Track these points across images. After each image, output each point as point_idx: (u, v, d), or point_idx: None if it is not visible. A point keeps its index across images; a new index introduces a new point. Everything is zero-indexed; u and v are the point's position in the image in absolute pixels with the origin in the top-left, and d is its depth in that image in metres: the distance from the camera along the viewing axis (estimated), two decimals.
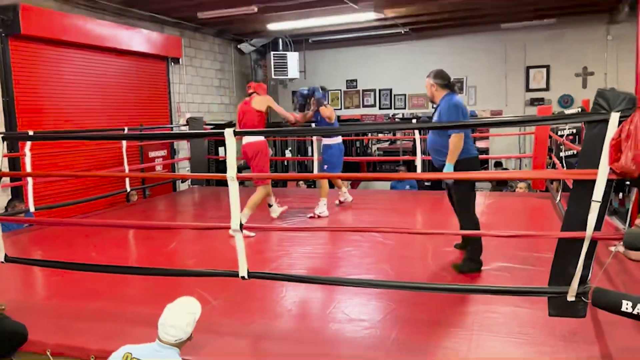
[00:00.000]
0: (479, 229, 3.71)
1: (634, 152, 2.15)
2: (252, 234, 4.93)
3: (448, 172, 3.64)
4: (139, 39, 8.13)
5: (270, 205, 5.87)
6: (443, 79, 3.88)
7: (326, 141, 6.01)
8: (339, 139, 6.03)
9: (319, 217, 5.83)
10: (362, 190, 9.28)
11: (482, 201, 6.38)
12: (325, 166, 6.02)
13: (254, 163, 5.36)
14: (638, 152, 2.14)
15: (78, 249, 4.76)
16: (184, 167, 9.08)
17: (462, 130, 3.61)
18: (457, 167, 3.62)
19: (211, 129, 8.75)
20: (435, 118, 3.89)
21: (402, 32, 10.35)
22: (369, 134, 11.31)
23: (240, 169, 10.32)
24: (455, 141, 3.60)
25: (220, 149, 9.49)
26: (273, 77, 10.67)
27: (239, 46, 10.84)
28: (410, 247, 4.56)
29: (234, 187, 2.97)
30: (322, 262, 4.34)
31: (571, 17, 9.69)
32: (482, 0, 8.20)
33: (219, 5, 7.85)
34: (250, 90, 5.44)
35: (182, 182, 9.04)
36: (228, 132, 2.83)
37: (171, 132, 8.98)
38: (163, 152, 8.96)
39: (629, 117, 2.21)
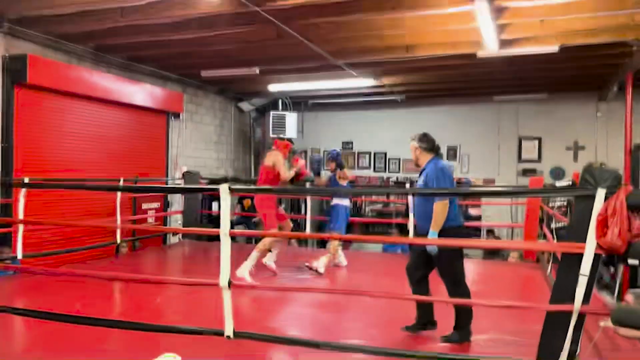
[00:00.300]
0: (470, 298, 3.67)
1: (620, 228, 2.19)
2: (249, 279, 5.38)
3: (432, 238, 3.57)
4: (142, 93, 8.32)
5: (269, 250, 5.99)
6: (428, 143, 3.87)
7: (335, 201, 6.31)
8: (346, 200, 6.28)
9: (315, 270, 5.84)
10: (354, 251, 9.24)
11: (474, 269, 6.37)
12: (332, 225, 6.19)
13: (259, 210, 5.93)
14: (623, 228, 2.19)
15: (62, 299, 4.68)
16: (176, 220, 9.06)
17: (448, 197, 3.61)
18: (442, 235, 3.55)
19: (206, 183, 8.81)
20: (420, 182, 3.83)
21: (399, 99, 10.66)
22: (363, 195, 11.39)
23: (232, 225, 10.29)
24: (440, 208, 3.54)
25: (214, 204, 9.51)
26: (271, 135, 10.86)
27: (239, 104, 11.11)
28: (401, 312, 4.50)
29: (226, 243, 2.98)
30: (311, 324, 4.27)
31: (561, 92, 10.05)
32: (476, 72, 8.51)
33: (222, 65, 8.11)
34: (273, 147, 6.10)
35: (173, 235, 8.99)
36: (223, 188, 2.87)
37: (167, 186, 9.02)
38: (156, 204, 8.96)
39: (614, 193, 2.28)
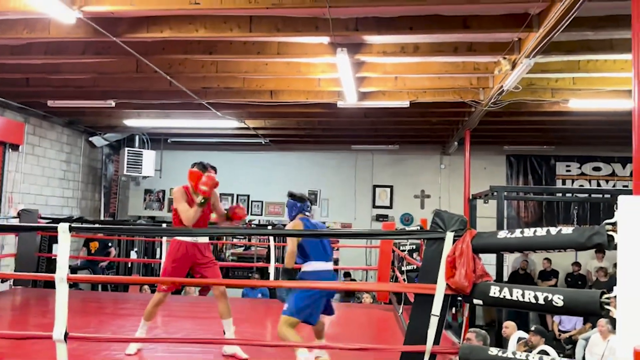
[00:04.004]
0: None
1: (466, 269, 2.34)
2: None
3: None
4: None
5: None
6: None
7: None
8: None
9: None
10: (211, 297, 8.86)
11: None
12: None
13: None
14: (469, 269, 2.34)
15: None
16: (6, 265, 7.94)
17: None
18: None
19: (47, 223, 7.90)
20: None
21: (263, 142, 10.74)
22: (224, 238, 11.08)
23: (75, 270, 9.28)
24: None
25: (55, 247, 8.54)
26: (125, 173, 10.21)
27: (90, 139, 10.31)
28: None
29: (62, 290, 2.62)
30: None
31: (411, 145, 10.93)
32: (336, 121, 8.92)
33: (72, 96, 7.49)
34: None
35: (2, 282, 7.86)
36: (62, 227, 2.54)
37: None
38: None
39: (461, 236, 2.44)
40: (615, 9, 4.32)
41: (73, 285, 7.25)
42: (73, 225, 2.63)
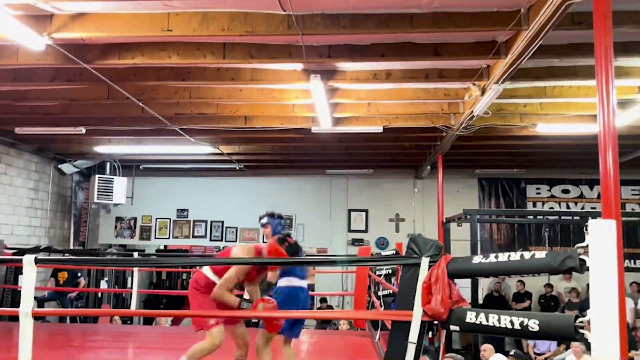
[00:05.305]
0: None
1: (442, 295, 2.33)
2: None
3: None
4: None
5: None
6: None
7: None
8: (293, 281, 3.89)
9: None
10: (185, 327, 8.64)
11: (308, 339, 6.34)
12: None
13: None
14: (445, 295, 2.33)
15: None
16: None
17: None
18: None
19: (12, 254, 7.63)
20: None
21: (237, 167, 10.68)
22: (197, 267, 10.91)
23: (42, 302, 8.97)
24: None
25: (21, 278, 8.26)
26: (95, 200, 9.99)
27: (60, 166, 10.08)
28: None
29: (26, 325, 2.51)
30: None
31: (385, 169, 11.02)
32: (311, 146, 8.94)
33: (42, 123, 7.34)
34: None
35: None
36: (27, 259, 2.45)
37: None
38: None
39: (436, 262, 2.44)
40: (579, 37, 4.47)
41: (40, 317, 7.00)
42: (39, 257, 2.54)
